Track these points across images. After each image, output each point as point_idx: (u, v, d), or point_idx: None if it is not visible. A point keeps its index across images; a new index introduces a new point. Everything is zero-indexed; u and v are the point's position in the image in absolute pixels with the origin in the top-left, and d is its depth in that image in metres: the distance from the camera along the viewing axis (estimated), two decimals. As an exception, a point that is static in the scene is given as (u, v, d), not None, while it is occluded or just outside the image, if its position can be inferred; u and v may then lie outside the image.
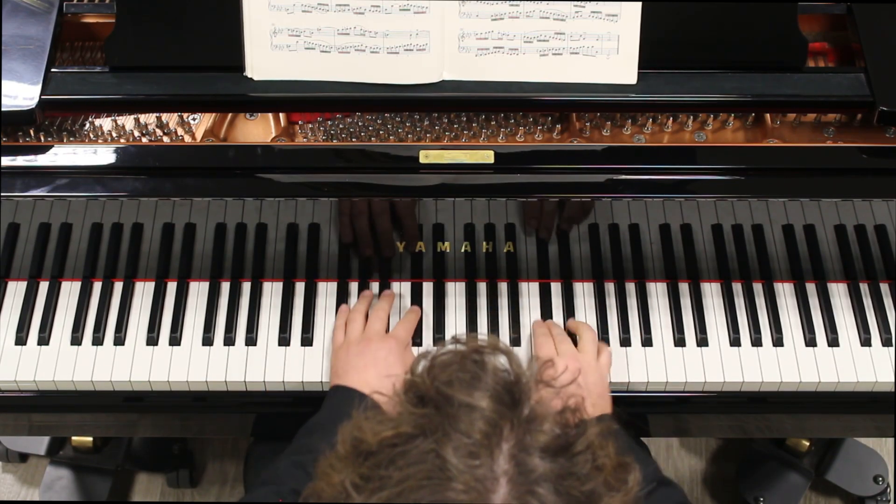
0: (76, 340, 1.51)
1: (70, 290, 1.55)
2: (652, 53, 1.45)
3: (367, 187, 1.44)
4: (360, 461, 0.92)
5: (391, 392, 0.99)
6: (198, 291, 1.55)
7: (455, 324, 1.53)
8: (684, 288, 1.56)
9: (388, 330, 1.48)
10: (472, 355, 0.96)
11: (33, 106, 1.42)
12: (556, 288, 1.55)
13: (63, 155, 1.44)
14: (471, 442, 0.88)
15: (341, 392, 1.37)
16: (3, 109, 1.41)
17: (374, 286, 1.55)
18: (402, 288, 1.56)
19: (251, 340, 1.51)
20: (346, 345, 1.44)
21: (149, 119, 1.53)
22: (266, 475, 1.36)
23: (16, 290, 1.55)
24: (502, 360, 0.96)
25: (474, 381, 0.93)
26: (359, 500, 0.89)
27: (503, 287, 1.56)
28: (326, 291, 1.55)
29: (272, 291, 1.55)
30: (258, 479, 1.50)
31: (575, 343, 1.47)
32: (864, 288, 1.56)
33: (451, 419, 0.90)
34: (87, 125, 1.53)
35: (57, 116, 1.52)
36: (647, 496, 1.25)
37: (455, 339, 1.01)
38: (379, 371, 1.37)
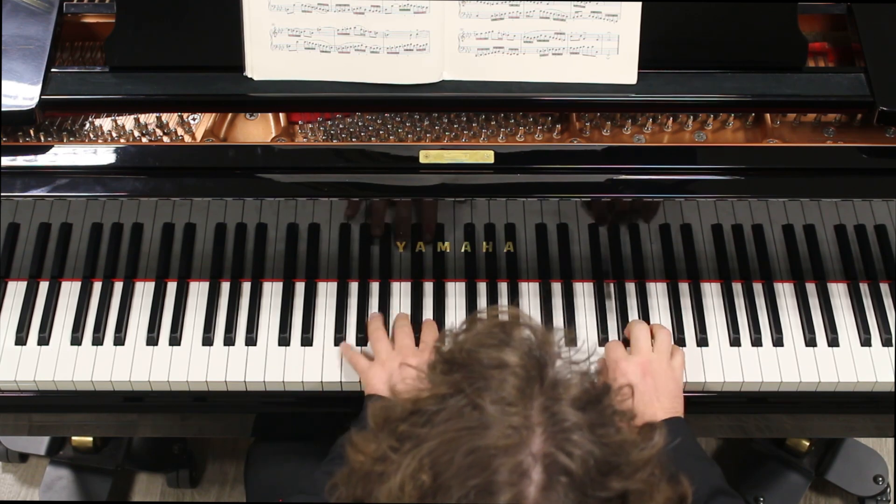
0: (76, 340, 1.51)
1: (70, 290, 1.55)
2: (652, 53, 1.45)
3: (367, 187, 1.44)
4: (396, 425, 0.94)
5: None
6: (198, 291, 1.55)
7: (455, 324, 1.52)
8: (684, 288, 1.56)
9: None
10: (496, 325, 0.99)
11: (33, 106, 1.42)
12: (556, 288, 1.55)
13: (63, 155, 1.44)
14: (505, 394, 0.92)
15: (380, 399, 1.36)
16: (3, 109, 1.41)
17: (374, 286, 1.55)
18: (402, 288, 1.56)
19: (251, 340, 1.51)
20: (378, 364, 1.42)
21: (149, 119, 1.53)
22: (304, 484, 1.36)
23: (16, 290, 1.55)
24: (526, 331, 0.99)
25: (502, 344, 0.96)
26: (398, 459, 0.91)
27: (503, 287, 1.56)
28: (326, 291, 1.55)
29: (272, 291, 1.55)
30: (295, 487, 1.50)
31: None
32: (864, 288, 1.56)
33: (484, 378, 0.93)
34: (87, 125, 1.53)
35: (57, 116, 1.52)
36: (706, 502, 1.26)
37: (477, 314, 1.06)
38: None
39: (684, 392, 1.49)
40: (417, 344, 1.47)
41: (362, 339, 1.51)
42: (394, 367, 1.40)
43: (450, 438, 0.90)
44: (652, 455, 0.95)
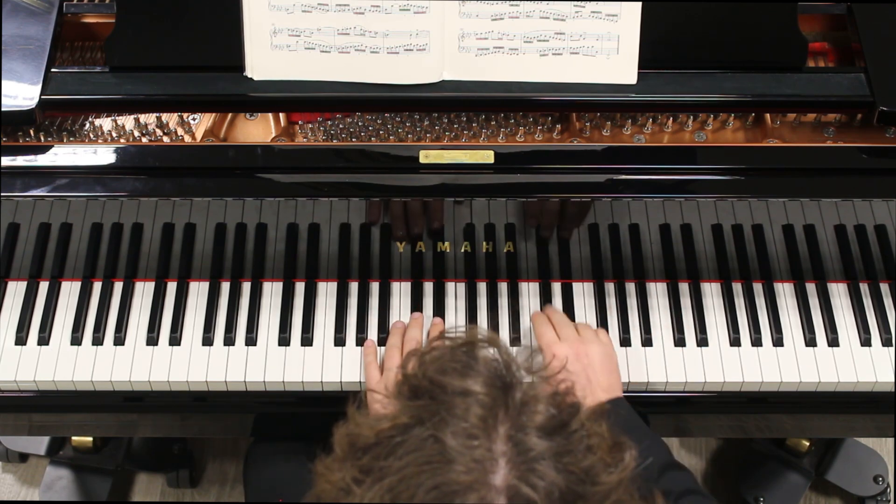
0: (76, 340, 1.51)
1: (70, 290, 1.55)
2: (652, 53, 1.45)
3: (367, 187, 1.44)
4: (359, 456, 0.92)
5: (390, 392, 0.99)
6: (198, 291, 1.55)
7: (455, 324, 1.52)
8: (684, 288, 1.56)
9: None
10: (461, 347, 0.97)
11: (33, 106, 1.42)
12: (556, 288, 1.55)
13: (63, 155, 1.44)
14: (468, 426, 0.90)
15: None
16: (3, 109, 1.41)
17: (374, 286, 1.55)
18: (402, 288, 1.56)
19: (251, 340, 1.51)
20: (383, 385, 1.42)
21: (149, 119, 1.53)
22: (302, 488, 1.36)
23: (16, 290, 1.55)
24: (491, 351, 0.97)
25: (466, 369, 0.94)
26: (360, 493, 0.90)
27: (503, 287, 1.56)
28: (326, 291, 1.55)
29: (272, 291, 1.55)
30: (294, 487, 1.49)
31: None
32: (864, 288, 1.56)
33: (447, 406, 0.91)
34: (87, 125, 1.53)
35: (57, 116, 1.52)
36: (658, 479, 1.25)
37: (442, 336, 1.03)
38: None
39: (685, 392, 1.50)
40: None
41: (362, 340, 1.51)
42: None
43: (411, 473, 0.88)
44: (623, 478, 0.93)
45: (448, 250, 1.54)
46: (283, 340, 1.51)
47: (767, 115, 1.54)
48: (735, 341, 1.51)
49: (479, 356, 0.96)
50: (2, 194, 1.42)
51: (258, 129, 1.55)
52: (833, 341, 1.51)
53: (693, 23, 1.48)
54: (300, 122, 1.56)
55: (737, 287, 1.56)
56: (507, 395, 0.92)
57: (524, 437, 0.90)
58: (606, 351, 1.43)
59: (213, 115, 1.54)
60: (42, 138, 1.50)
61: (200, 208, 1.48)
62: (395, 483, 0.88)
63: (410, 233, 1.51)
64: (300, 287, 1.55)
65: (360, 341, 1.51)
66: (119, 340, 1.50)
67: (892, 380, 1.49)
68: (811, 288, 1.56)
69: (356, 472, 0.91)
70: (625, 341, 1.51)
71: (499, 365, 0.96)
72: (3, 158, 1.42)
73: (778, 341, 1.51)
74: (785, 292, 1.56)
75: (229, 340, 1.51)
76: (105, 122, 1.53)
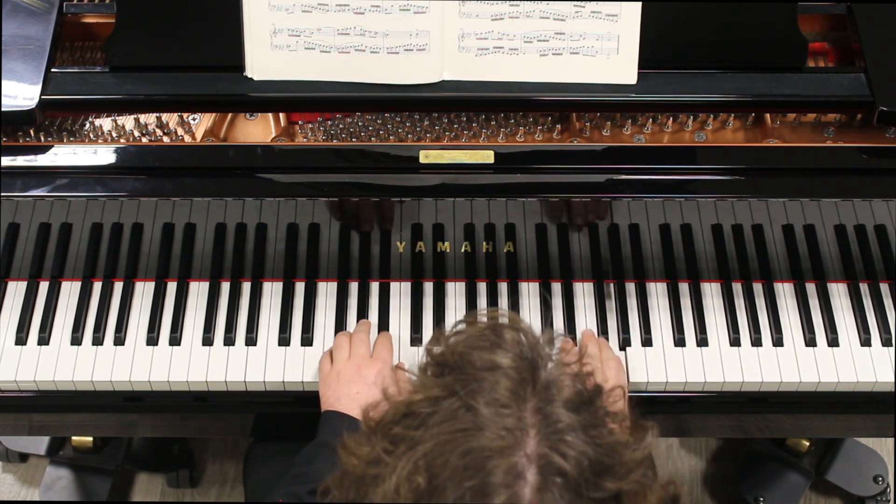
0: (76, 340, 1.51)
1: (70, 290, 1.55)
2: (652, 53, 1.45)
3: (367, 187, 1.44)
4: (389, 427, 0.94)
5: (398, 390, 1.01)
6: (198, 291, 1.55)
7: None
8: (684, 288, 1.56)
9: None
10: (487, 328, 1.00)
11: (33, 106, 1.42)
12: (556, 288, 1.55)
13: (63, 155, 1.44)
14: (498, 396, 0.92)
15: (337, 417, 1.36)
16: (3, 109, 1.41)
17: (374, 286, 1.55)
18: (402, 288, 1.56)
19: (251, 340, 1.51)
20: (334, 372, 1.42)
21: (149, 119, 1.53)
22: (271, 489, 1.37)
23: (16, 290, 1.55)
24: (516, 334, 0.99)
25: (494, 346, 0.96)
26: (392, 462, 0.91)
27: (503, 287, 1.56)
28: (326, 291, 1.55)
29: (272, 291, 1.55)
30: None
31: None
32: (864, 288, 1.56)
33: (477, 380, 0.93)
34: (87, 125, 1.53)
35: (57, 116, 1.52)
36: None
37: (467, 318, 1.04)
38: (370, 394, 1.37)
39: (685, 392, 1.50)
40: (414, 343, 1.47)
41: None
42: (349, 376, 1.39)
43: (444, 440, 0.90)
44: (644, 456, 0.95)
45: (448, 250, 1.54)
46: (283, 340, 1.51)
47: (767, 115, 1.54)
48: (735, 341, 1.51)
49: (505, 335, 0.98)
50: (2, 194, 1.42)
51: (258, 129, 1.55)
52: (833, 341, 1.51)
53: (693, 23, 1.48)
54: (300, 122, 1.56)
55: (737, 287, 1.56)
56: (533, 372, 0.94)
57: (552, 409, 0.92)
58: (614, 367, 1.45)
59: (213, 115, 1.54)
60: (42, 138, 1.50)
61: (200, 208, 1.48)
62: (428, 449, 0.90)
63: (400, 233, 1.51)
64: (300, 287, 1.55)
65: (360, 341, 1.51)
66: (119, 340, 1.50)
67: (892, 380, 1.49)
68: (811, 288, 1.56)
69: (386, 443, 0.93)
70: (625, 341, 1.51)
71: (524, 345, 0.97)
72: (3, 158, 1.42)
73: (778, 341, 1.51)
74: (785, 292, 1.56)
75: (229, 340, 1.51)
76: (105, 122, 1.53)
